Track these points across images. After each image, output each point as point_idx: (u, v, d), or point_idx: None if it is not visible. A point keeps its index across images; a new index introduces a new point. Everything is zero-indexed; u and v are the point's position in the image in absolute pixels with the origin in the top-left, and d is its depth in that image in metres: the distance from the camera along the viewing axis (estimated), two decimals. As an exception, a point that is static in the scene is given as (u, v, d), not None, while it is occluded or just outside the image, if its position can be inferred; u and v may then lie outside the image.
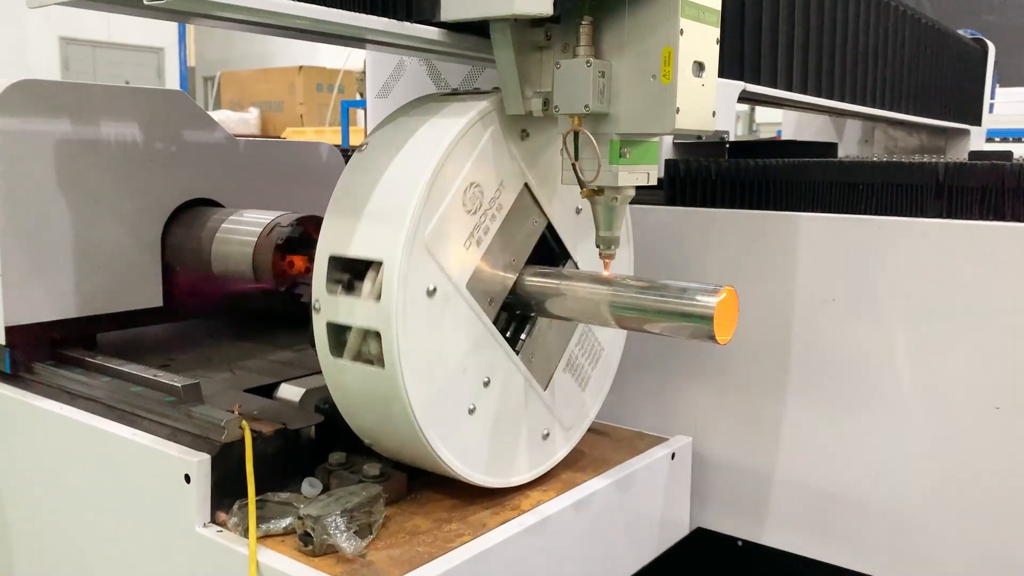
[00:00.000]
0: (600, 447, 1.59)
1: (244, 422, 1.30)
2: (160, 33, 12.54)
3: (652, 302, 1.23)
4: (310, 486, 1.33)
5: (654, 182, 1.29)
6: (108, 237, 1.73)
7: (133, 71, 12.56)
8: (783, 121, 4.56)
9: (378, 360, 1.21)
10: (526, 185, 1.35)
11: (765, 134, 9.78)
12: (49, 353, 1.67)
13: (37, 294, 1.62)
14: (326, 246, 1.26)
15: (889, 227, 1.50)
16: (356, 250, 1.22)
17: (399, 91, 2.15)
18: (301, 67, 10.56)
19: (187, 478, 1.25)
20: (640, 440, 1.64)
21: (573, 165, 1.24)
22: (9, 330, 1.58)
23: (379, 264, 1.19)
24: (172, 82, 12.75)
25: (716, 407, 1.69)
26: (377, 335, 1.20)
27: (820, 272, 1.56)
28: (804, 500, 1.62)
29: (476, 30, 1.28)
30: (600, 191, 1.26)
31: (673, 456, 1.60)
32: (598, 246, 1.31)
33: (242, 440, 1.28)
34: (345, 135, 7.68)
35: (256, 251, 1.68)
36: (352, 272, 1.25)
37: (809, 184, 1.59)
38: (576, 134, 1.23)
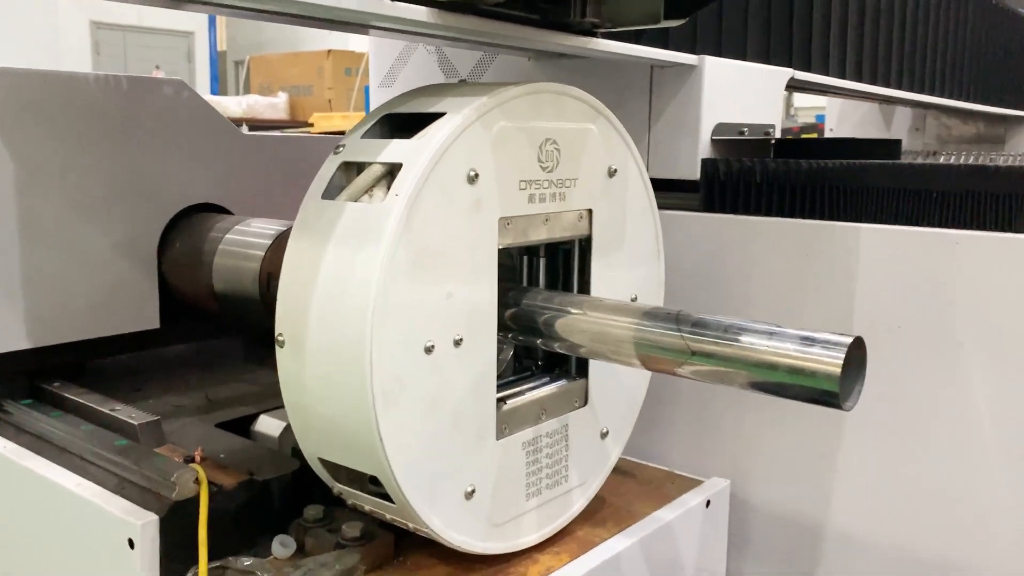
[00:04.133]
0: (623, 493, 1.38)
1: (201, 474, 1.10)
2: (190, 17, 12.42)
3: (737, 352, 0.93)
4: (282, 546, 1.14)
5: None
6: (95, 249, 1.49)
7: (163, 55, 12.47)
8: (827, 107, 4.29)
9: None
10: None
11: (804, 119, 9.41)
12: (27, 387, 1.45)
13: (5, 317, 1.39)
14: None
15: (968, 243, 1.26)
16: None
17: (404, 79, 1.94)
18: (330, 51, 10.35)
19: (131, 543, 1.05)
20: (670, 483, 1.43)
21: None
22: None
23: None
24: (202, 66, 12.66)
25: (758, 444, 1.48)
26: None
27: (884, 294, 1.33)
28: (861, 555, 1.40)
29: (467, 8, 1.07)
30: None
31: (708, 504, 1.39)
32: None
33: (197, 497, 1.09)
34: (370, 121, 7.50)
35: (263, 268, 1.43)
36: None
37: (872, 190, 1.36)
38: None
